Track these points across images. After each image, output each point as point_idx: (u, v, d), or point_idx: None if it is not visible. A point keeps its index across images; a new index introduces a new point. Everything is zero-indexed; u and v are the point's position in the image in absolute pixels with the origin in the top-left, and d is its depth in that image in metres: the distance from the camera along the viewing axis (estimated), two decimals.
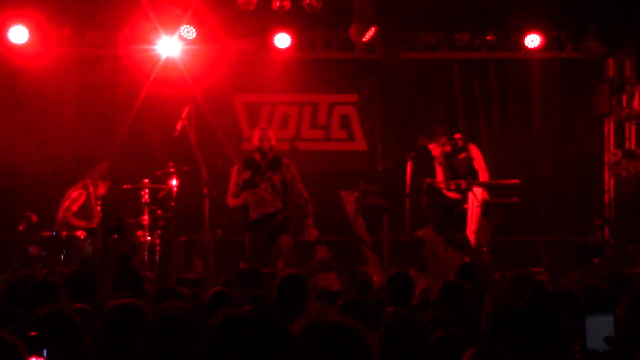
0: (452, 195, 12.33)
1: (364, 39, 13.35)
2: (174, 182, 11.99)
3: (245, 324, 2.68)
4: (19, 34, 12.93)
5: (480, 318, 5.24)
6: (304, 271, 8.04)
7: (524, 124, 14.42)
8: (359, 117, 14.45)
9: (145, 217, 11.89)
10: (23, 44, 13.01)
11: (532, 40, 13.79)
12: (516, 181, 12.39)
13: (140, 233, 11.73)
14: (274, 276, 7.63)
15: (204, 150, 12.00)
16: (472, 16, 13.81)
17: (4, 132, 13.28)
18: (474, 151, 12.47)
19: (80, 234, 11.79)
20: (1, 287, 6.83)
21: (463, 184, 12.14)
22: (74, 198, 12.18)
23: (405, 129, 14.21)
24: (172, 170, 12.07)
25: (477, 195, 12.06)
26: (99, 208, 12.06)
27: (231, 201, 11.49)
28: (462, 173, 12.39)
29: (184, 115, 11.69)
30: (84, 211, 12.18)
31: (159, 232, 11.83)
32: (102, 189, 12.32)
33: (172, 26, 13.04)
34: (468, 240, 11.13)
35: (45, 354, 3.93)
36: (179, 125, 11.67)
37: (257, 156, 11.48)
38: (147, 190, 12.01)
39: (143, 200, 11.96)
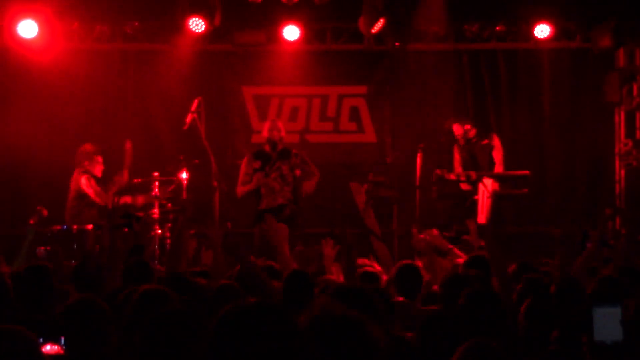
0: (463, 186, 12.34)
1: (373, 31, 13.33)
2: (184, 175, 11.99)
3: (251, 316, 2.69)
4: (28, 28, 12.94)
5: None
6: (314, 269, 8.02)
7: (534, 114, 14.38)
8: (368, 109, 14.43)
9: (156, 210, 11.91)
10: (32, 38, 13.02)
11: (542, 31, 13.75)
12: (526, 172, 12.38)
13: (150, 226, 11.75)
14: (272, 270, 7.63)
15: (214, 143, 12.02)
16: (482, 6, 13.78)
17: (14, 126, 13.30)
18: (496, 141, 12.53)
19: (91, 227, 11.81)
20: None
21: (473, 175, 12.13)
22: (87, 183, 12.15)
23: (415, 120, 14.19)
24: (182, 163, 12.07)
25: (487, 187, 12.05)
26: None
27: (240, 189, 11.54)
28: (482, 160, 12.41)
29: (193, 108, 11.71)
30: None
31: (169, 225, 11.85)
32: (97, 172, 12.30)
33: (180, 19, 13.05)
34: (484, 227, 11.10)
35: (62, 342, 3.95)
36: (188, 119, 11.69)
37: (267, 147, 11.57)
38: (157, 184, 12.02)
39: (153, 193, 11.98)
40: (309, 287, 6.06)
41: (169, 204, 12.05)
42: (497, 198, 12.16)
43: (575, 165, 14.29)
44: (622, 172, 14.06)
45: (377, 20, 13.14)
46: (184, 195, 11.95)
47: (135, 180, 12.11)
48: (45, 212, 10.78)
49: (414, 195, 12.33)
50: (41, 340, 3.54)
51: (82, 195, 12.14)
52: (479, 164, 12.42)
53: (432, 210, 12.62)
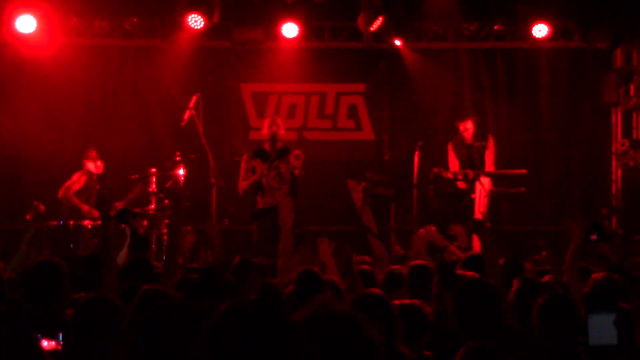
0: (461, 184, 12.35)
1: (371, 29, 13.35)
2: (181, 171, 11.99)
3: (248, 314, 2.70)
4: (26, 24, 12.94)
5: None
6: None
7: (532, 113, 14.40)
8: (366, 107, 14.44)
9: (153, 206, 11.91)
10: (30, 33, 13.02)
11: (540, 30, 13.77)
12: (523, 171, 12.39)
13: (146, 223, 11.75)
14: (273, 267, 7.64)
15: (212, 140, 12.02)
16: (480, 6, 13.79)
17: (11, 121, 13.29)
18: (491, 143, 12.51)
19: (87, 223, 11.82)
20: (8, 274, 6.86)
21: (470, 173, 12.14)
22: (75, 180, 12.21)
23: (413, 118, 14.21)
24: (179, 159, 12.06)
25: (484, 185, 12.07)
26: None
27: (242, 184, 11.54)
28: (476, 160, 12.42)
29: (191, 104, 11.71)
30: (85, 193, 12.22)
31: (166, 221, 11.85)
32: (98, 169, 12.35)
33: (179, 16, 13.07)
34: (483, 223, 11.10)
35: (60, 338, 3.97)
36: (186, 115, 11.69)
37: (266, 146, 11.59)
38: (154, 180, 12.02)
39: (150, 189, 11.98)
40: (320, 285, 6.08)
41: (166, 200, 12.05)
42: (494, 197, 12.18)
43: (572, 164, 14.31)
44: (619, 171, 14.08)
45: (375, 18, 13.16)
46: (178, 191, 11.94)
47: (133, 176, 12.11)
48: (42, 208, 10.77)
49: (411, 194, 12.34)
50: (39, 336, 3.56)
51: (81, 190, 12.18)
52: (475, 163, 12.42)
53: (429, 209, 12.63)
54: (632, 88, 13.85)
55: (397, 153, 14.11)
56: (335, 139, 14.44)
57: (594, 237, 7.10)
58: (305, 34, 13.83)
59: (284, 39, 13.72)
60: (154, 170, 12.09)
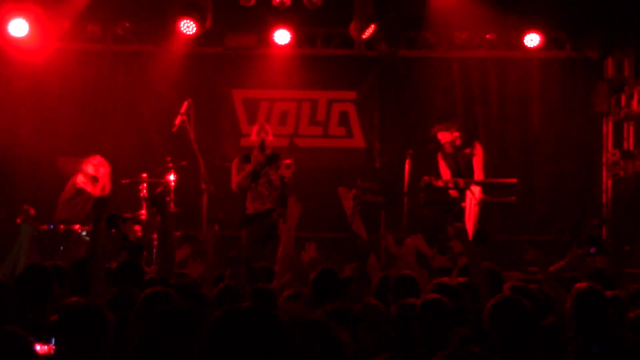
0: (452, 193, 12.36)
1: (363, 36, 13.36)
2: (172, 177, 11.98)
3: (242, 320, 2.75)
4: (18, 27, 12.92)
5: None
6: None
7: (523, 123, 14.43)
8: (357, 114, 14.46)
9: (143, 211, 11.89)
10: (23, 37, 13.00)
11: (532, 40, 13.83)
12: (514, 180, 12.41)
13: (137, 228, 11.74)
14: (270, 270, 7.63)
15: (203, 146, 12.01)
16: (472, 14, 13.81)
17: (3, 125, 13.28)
18: (478, 149, 12.48)
19: (77, 227, 11.78)
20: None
21: (461, 182, 12.16)
22: (84, 181, 12.15)
23: (404, 126, 14.23)
24: (169, 165, 12.04)
25: (474, 194, 12.09)
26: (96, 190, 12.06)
27: (236, 179, 11.45)
28: (463, 168, 12.42)
29: (182, 110, 11.71)
30: (83, 196, 12.20)
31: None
32: (96, 172, 12.29)
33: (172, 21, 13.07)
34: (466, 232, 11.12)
35: (53, 342, 3.96)
36: (177, 120, 11.69)
37: (255, 152, 11.54)
38: (145, 185, 12.01)
39: (141, 195, 11.96)
40: (338, 283, 6.11)
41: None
42: (484, 206, 12.20)
43: (563, 174, 14.34)
44: (609, 182, 14.11)
45: (368, 26, 13.17)
46: (172, 196, 11.93)
47: (123, 181, 12.09)
48: (32, 211, 10.75)
49: (402, 201, 12.35)
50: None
51: (79, 191, 12.13)
52: (462, 171, 12.42)
53: (419, 217, 12.63)
54: (623, 98, 13.89)
55: (388, 161, 14.12)
56: (327, 145, 14.46)
57: (592, 249, 7.13)
58: (297, 41, 13.86)
59: (276, 45, 13.74)
60: (144, 175, 12.08)
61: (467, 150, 12.47)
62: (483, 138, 13.76)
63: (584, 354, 5.29)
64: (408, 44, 14.11)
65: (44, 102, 13.58)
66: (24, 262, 8.80)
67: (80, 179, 12.07)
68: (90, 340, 4.26)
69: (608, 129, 14.26)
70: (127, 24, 13.64)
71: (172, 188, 11.97)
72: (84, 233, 11.52)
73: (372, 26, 13.18)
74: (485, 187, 12.31)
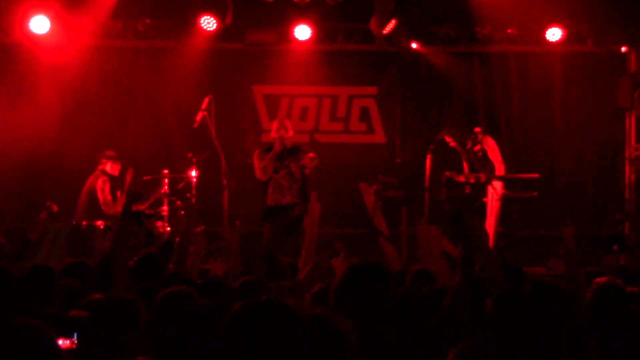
0: (468, 189, 12.30)
1: (384, 32, 13.34)
2: (194, 173, 12.01)
3: (259, 314, 2.80)
4: (40, 24, 12.96)
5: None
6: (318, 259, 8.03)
7: (545, 117, 14.37)
8: (378, 110, 14.44)
9: (165, 207, 11.93)
10: (44, 34, 13.05)
11: (554, 34, 13.75)
12: (536, 175, 12.35)
13: (159, 224, 11.78)
14: (293, 266, 7.65)
15: (224, 142, 12.02)
16: (493, 9, 13.76)
17: (25, 122, 13.33)
18: (489, 143, 12.41)
19: (100, 223, 11.84)
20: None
21: (482, 177, 12.12)
22: (102, 187, 12.20)
23: (425, 121, 14.19)
24: (194, 160, 12.06)
25: (496, 189, 12.04)
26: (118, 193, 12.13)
27: (260, 165, 11.41)
28: (476, 165, 12.38)
29: (203, 106, 11.72)
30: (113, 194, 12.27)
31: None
32: (114, 170, 12.36)
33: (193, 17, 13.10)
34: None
35: (75, 337, 3.98)
36: (198, 117, 11.70)
37: (277, 144, 11.51)
38: (166, 181, 12.05)
39: (162, 190, 12.00)
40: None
41: (178, 202, 12.07)
42: (506, 201, 12.16)
43: (585, 169, 14.27)
44: (632, 177, 14.03)
45: (388, 21, 13.14)
46: (194, 192, 11.96)
47: (145, 178, 12.13)
48: (55, 208, 10.80)
49: (423, 197, 12.33)
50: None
51: (95, 194, 12.20)
52: (476, 169, 12.36)
53: (440, 212, 12.60)
54: None
55: (409, 156, 14.10)
56: (347, 141, 14.45)
57: (615, 247, 7.10)
58: (317, 36, 13.83)
59: (297, 41, 13.73)
60: (166, 171, 12.12)
61: (477, 147, 12.40)
62: (505, 133, 13.72)
63: (605, 348, 5.25)
64: (429, 38, 14.06)
65: (65, 99, 13.62)
66: (57, 260, 8.84)
67: (99, 185, 12.14)
68: (122, 335, 4.29)
69: (631, 123, 14.17)
70: (148, 21, 13.66)
71: (193, 184, 12.00)
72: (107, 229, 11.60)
73: (393, 21, 13.15)
74: (507, 182, 12.26)
